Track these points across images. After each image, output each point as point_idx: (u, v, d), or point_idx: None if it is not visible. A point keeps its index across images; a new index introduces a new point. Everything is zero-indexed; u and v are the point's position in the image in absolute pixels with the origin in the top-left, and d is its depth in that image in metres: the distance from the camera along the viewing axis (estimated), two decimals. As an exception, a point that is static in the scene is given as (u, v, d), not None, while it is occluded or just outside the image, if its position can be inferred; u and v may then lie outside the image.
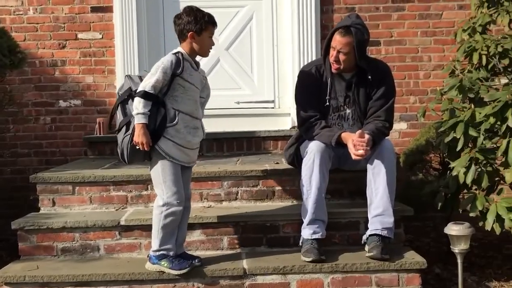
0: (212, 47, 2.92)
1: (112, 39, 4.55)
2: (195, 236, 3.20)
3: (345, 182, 3.50)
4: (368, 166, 3.10)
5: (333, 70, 3.16)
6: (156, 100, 2.76)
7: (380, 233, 3.03)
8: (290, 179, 3.46)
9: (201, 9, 2.90)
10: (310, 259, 2.95)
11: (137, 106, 2.75)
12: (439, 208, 3.38)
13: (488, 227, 3.06)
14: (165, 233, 2.86)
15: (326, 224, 3.12)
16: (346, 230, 3.24)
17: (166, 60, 2.80)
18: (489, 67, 3.42)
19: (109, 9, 4.54)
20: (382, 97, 3.18)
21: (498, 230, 3.04)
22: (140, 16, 4.54)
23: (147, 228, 3.11)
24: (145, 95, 2.73)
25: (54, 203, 3.44)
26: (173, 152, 2.83)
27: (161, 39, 4.67)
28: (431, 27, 4.62)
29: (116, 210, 3.42)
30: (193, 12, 2.86)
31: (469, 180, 3.12)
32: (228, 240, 3.21)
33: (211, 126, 4.42)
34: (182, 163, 2.89)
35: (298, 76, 3.33)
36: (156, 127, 2.76)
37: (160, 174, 2.85)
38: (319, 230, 3.06)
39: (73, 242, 3.19)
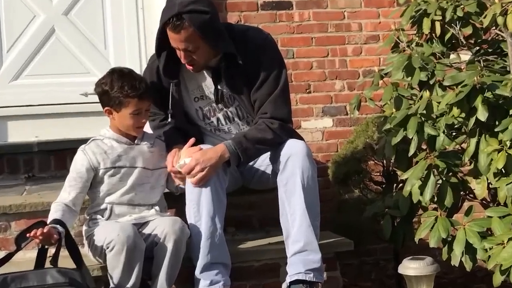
0: (143, 122, 3.17)
1: None
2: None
3: (255, 207, 3.60)
4: (279, 181, 3.18)
5: (193, 71, 3.27)
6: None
7: (304, 278, 3.09)
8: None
9: (131, 72, 3.14)
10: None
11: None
12: (388, 238, 3.45)
13: (455, 262, 3.11)
14: None
15: (229, 269, 3.16)
16: (261, 277, 3.29)
17: (73, 167, 3.15)
18: (446, 38, 3.50)
19: None
20: (264, 84, 3.25)
21: (468, 265, 3.09)
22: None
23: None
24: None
25: None
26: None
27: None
28: (360, -18, 4.77)
29: None
30: (112, 79, 3.11)
31: (427, 197, 3.17)
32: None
33: (47, 131, 4.41)
34: None
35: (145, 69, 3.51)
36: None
37: None
38: (220, 279, 3.08)
39: None
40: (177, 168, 3.15)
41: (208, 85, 3.32)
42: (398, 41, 3.53)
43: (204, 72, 3.29)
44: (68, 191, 3.11)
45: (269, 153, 3.27)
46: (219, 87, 3.29)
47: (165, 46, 3.18)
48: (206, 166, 3.08)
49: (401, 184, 3.48)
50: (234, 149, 3.13)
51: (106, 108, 3.15)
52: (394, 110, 3.34)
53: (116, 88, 3.09)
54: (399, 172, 3.57)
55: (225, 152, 3.13)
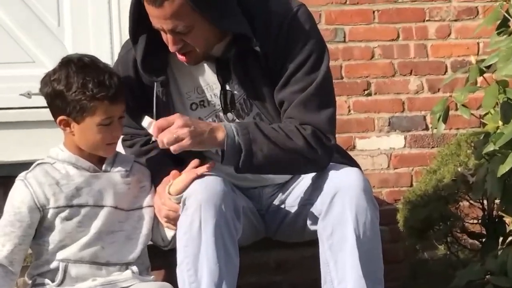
0: (115, 137, 3.02)
1: None
2: None
3: (284, 269, 3.51)
4: (320, 230, 2.97)
5: (188, 64, 3.09)
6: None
7: None
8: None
9: (96, 61, 2.95)
10: None
11: None
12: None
13: None
14: None
15: None
16: None
17: (9, 207, 2.94)
18: None
19: None
20: (293, 78, 3.06)
21: None
22: None
23: None
24: None
25: None
26: None
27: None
28: None
29: None
30: (68, 73, 2.89)
31: (551, 259, 3.04)
32: None
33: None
34: None
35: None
36: None
37: None
38: None
39: None
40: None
41: (212, 84, 3.07)
42: (508, 16, 3.23)
43: (205, 65, 3.05)
44: (1, 243, 2.91)
45: (304, 186, 3.03)
46: (227, 87, 3.07)
47: (145, 28, 2.97)
48: (189, 126, 2.80)
49: (510, 238, 3.49)
50: (233, 133, 2.87)
51: (60, 117, 2.90)
52: (500, 123, 3.15)
53: (76, 86, 2.85)
54: (508, 219, 3.58)
55: (220, 129, 2.85)
